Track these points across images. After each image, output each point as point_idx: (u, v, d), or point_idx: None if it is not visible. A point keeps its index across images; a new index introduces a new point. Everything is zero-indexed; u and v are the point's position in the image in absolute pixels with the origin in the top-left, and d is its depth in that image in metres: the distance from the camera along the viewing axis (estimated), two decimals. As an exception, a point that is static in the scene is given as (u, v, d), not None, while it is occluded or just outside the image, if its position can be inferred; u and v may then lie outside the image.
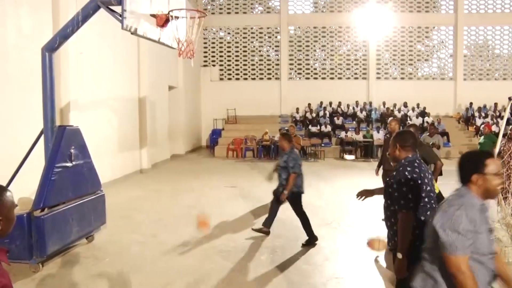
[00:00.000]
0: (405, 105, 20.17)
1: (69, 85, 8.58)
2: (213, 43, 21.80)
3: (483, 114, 19.48)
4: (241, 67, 21.69)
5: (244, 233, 6.45)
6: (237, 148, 17.79)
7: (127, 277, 4.77)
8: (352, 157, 17.13)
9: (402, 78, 21.51)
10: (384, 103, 20.21)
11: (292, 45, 21.70)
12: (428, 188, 2.96)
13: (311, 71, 21.78)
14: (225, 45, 21.75)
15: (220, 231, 6.59)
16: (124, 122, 11.69)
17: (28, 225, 4.83)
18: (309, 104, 20.59)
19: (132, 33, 5.08)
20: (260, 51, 21.89)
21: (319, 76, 21.72)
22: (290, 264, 5.18)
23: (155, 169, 13.51)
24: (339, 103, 20.69)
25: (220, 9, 21.53)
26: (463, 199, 2.17)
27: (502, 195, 6.50)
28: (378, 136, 17.15)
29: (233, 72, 21.75)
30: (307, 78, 21.72)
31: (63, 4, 8.25)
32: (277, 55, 21.71)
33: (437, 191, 3.62)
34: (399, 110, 19.85)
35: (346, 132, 18.21)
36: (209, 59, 21.78)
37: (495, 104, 19.96)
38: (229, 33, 21.90)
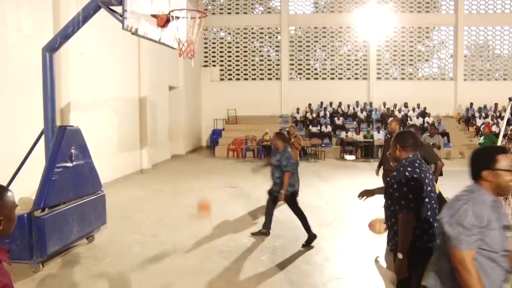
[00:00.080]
0: (406, 105, 20.17)
1: (70, 85, 8.58)
2: (214, 43, 21.81)
3: (483, 115, 19.47)
4: (241, 67, 21.70)
5: (244, 233, 6.45)
6: (238, 148, 17.79)
7: (128, 277, 4.77)
8: (353, 157, 17.12)
9: (403, 79, 21.51)
10: (384, 104, 20.21)
11: (293, 45, 21.70)
12: (429, 188, 2.96)
13: (312, 71, 21.78)
14: (225, 45, 21.76)
15: (221, 231, 6.59)
16: (125, 122, 11.70)
17: (29, 225, 4.84)
18: (310, 104, 20.59)
19: (132, 34, 5.08)
20: (260, 51, 21.89)
21: (320, 76, 21.72)
22: (291, 264, 5.18)
23: (156, 169, 13.51)
24: (340, 103, 20.69)
25: (221, 9, 21.54)
26: (472, 195, 2.13)
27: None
28: (379, 137, 17.15)
29: (233, 72, 21.75)
30: (308, 78, 21.72)
31: (63, 4, 8.25)
32: (278, 55, 21.72)
33: (437, 191, 3.62)
34: (399, 111, 19.85)
35: (347, 133, 18.20)
36: (210, 59, 21.78)
37: (496, 105, 19.95)
38: (229, 33, 21.91)
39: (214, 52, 21.76)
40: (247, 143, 18.04)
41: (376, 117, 19.65)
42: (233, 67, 21.73)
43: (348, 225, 6.98)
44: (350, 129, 18.55)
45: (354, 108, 20.53)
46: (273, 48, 21.96)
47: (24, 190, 5.51)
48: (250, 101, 20.84)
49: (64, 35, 5.39)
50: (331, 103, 20.69)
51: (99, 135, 9.68)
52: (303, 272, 4.91)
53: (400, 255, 2.88)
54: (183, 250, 5.73)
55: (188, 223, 7.07)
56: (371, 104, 20.60)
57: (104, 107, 10.47)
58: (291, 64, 21.70)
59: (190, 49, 5.60)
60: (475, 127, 18.79)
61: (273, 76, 21.70)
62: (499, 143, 6.75)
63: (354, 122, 19.59)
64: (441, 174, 6.31)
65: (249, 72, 21.72)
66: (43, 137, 5.57)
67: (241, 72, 21.72)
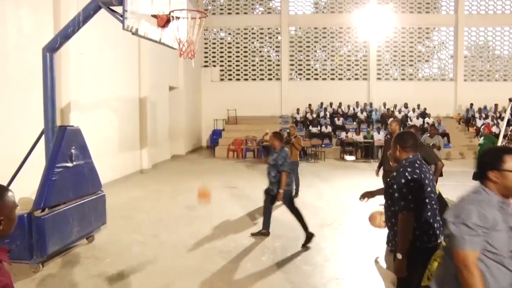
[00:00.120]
0: (406, 106, 20.18)
1: (70, 85, 8.59)
2: (214, 43, 21.82)
3: (483, 115, 19.48)
4: (241, 67, 21.71)
5: (244, 233, 6.45)
6: (238, 148, 17.79)
7: (128, 277, 4.77)
8: (353, 158, 17.12)
9: (403, 79, 21.52)
10: (384, 104, 20.21)
11: (293, 45, 21.71)
12: (429, 189, 2.96)
13: (312, 72, 21.78)
14: (225, 45, 21.77)
15: (221, 231, 6.59)
16: (125, 122, 11.70)
17: (29, 225, 4.84)
18: (310, 105, 20.60)
19: (133, 34, 5.08)
20: (260, 51, 21.90)
21: (320, 76, 21.73)
22: (291, 264, 5.18)
23: (156, 169, 13.51)
24: (340, 104, 20.69)
25: (221, 9, 21.55)
26: (477, 196, 2.11)
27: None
28: (379, 137, 17.15)
29: (233, 72, 21.76)
30: (308, 79, 21.73)
31: (63, 4, 8.26)
32: (278, 55, 21.72)
33: (437, 192, 3.62)
34: (399, 111, 19.85)
35: (347, 133, 18.21)
36: (210, 59, 21.79)
37: (496, 105, 19.96)
38: (229, 34, 21.92)
39: (214, 52, 21.77)
40: (247, 143, 18.04)
41: (376, 117, 19.66)
42: (233, 68, 21.74)
43: (348, 225, 6.98)
44: (350, 130, 18.55)
45: (354, 109, 20.54)
46: (273, 49, 21.97)
47: (24, 190, 5.50)
48: (250, 101, 20.84)
49: (64, 35, 5.39)
50: (331, 104, 20.70)
51: (99, 135, 9.68)
52: (303, 273, 4.91)
53: (399, 256, 2.88)
54: (183, 250, 5.73)
55: (188, 223, 7.07)
56: (371, 104, 20.60)
57: (104, 107, 10.47)
58: (291, 65, 21.70)
59: (191, 49, 5.60)
60: (475, 127, 18.78)
61: (273, 77, 21.71)
62: (499, 144, 6.76)
63: (354, 123, 19.60)
64: (441, 175, 6.31)
65: (249, 72, 21.73)
66: (43, 137, 5.57)
67: (241, 72, 21.73)
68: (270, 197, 6.20)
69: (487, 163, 2.17)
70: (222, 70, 21.77)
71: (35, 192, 5.12)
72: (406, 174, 2.93)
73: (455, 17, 20.90)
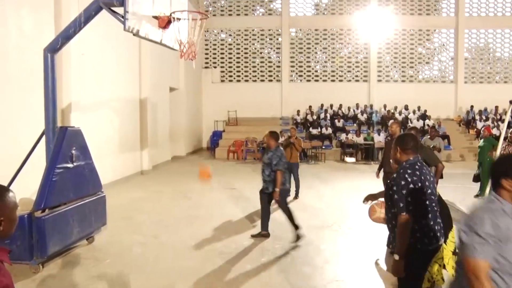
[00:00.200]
0: (406, 107, 20.18)
1: (71, 86, 8.60)
2: (215, 45, 21.84)
3: (483, 117, 19.48)
4: (242, 69, 21.73)
5: (244, 235, 6.44)
6: (238, 150, 17.79)
7: (128, 278, 4.77)
8: (353, 159, 17.13)
9: (403, 81, 21.53)
10: (385, 106, 20.22)
11: (293, 47, 21.73)
12: (429, 191, 2.96)
13: (312, 73, 21.80)
14: (226, 47, 21.79)
15: (221, 233, 6.59)
16: (125, 123, 11.71)
17: (29, 225, 4.83)
18: (310, 107, 20.60)
19: (134, 35, 5.09)
20: (261, 53, 21.92)
21: (320, 78, 21.74)
22: (291, 266, 5.18)
23: (156, 170, 13.51)
24: (340, 106, 20.70)
25: (222, 11, 21.57)
26: (490, 204, 2.03)
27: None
28: (379, 139, 17.16)
29: (234, 74, 21.77)
30: (308, 80, 21.74)
31: (64, 4, 8.27)
32: (278, 57, 21.74)
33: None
34: (400, 113, 19.86)
35: (347, 135, 18.21)
36: (211, 60, 21.81)
37: (496, 107, 19.96)
38: (230, 35, 21.94)
39: (215, 53, 21.79)
40: (247, 144, 18.04)
41: (377, 119, 19.67)
42: (234, 69, 21.76)
43: (348, 227, 6.97)
44: (351, 131, 18.55)
45: (354, 110, 20.55)
46: (274, 50, 21.99)
47: (25, 191, 5.51)
48: (250, 103, 20.86)
49: (65, 36, 5.40)
50: (331, 105, 20.71)
51: (100, 136, 9.69)
52: (303, 274, 4.91)
53: (396, 257, 2.90)
54: (183, 251, 5.73)
55: (188, 224, 7.07)
56: (371, 106, 20.61)
57: (105, 108, 10.48)
58: (292, 66, 21.72)
59: (191, 50, 5.61)
60: (475, 130, 18.79)
61: (274, 78, 21.73)
62: (499, 146, 6.76)
63: (355, 124, 19.61)
64: (441, 177, 6.30)
65: (250, 73, 21.74)
66: (44, 138, 5.57)
67: (242, 73, 21.74)
68: (266, 196, 6.23)
69: (500, 171, 2.08)
70: (222, 72, 21.79)
71: (36, 192, 5.12)
72: (406, 176, 2.93)
73: (456, 19, 20.92)
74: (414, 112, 19.88)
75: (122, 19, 4.86)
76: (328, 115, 20.01)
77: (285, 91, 21.42)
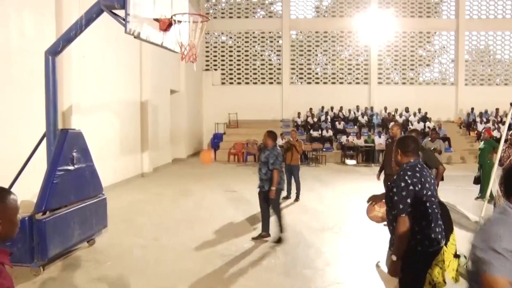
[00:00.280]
0: (407, 110, 20.20)
1: (72, 89, 8.61)
2: (215, 47, 21.87)
3: (484, 120, 19.48)
4: (242, 71, 21.75)
5: (245, 237, 6.44)
6: (238, 152, 17.80)
7: (128, 281, 4.76)
8: (354, 162, 17.12)
9: (404, 83, 21.54)
10: (385, 108, 20.24)
11: (294, 49, 21.76)
12: (429, 193, 2.96)
13: (313, 76, 21.82)
14: (227, 49, 21.83)
15: (222, 235, 6.59)
16: (126, 125, 11.72)
17: (30, 228, 4.83)
18: (311, 109, 20.62)
19: (135, 37, 5.10)
20: (261, 55, 21.95)
21: (321, 80, 21.76)
22: (291, 268, 5.17)
23: (157, 173, 13.51)
24: (341, 108, 20.72)
25: (222, 13, 21.62)
26: (504, 216, 1.93)
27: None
28: (380, 141, 17.16)
29: (234, 76, 21.80)
30: (309, 83, 21.76)
31: (65, 7, 8.30)
32: (279, 59, 21.77)
33: None
34: (400, 115, 19.87)
35: (348, 137, 18.21)
36: (211, 63, 21.84)
37: (497, 110, 19.97)
38: (231, 38, 21.98)
39: (215, 56, 21.82)
40: (247, 145, 18.04)
41: (377, 121, 19.67)
42: (235, 71, 21.78)
43: (349, 229, 6.97)
44: (351, 134, 18.56)
45: (355, 113, 20.55)
46: (274, 52, 22.01)
47: (26, 193, 5.51)
48: (251, 105, 20.87)
49: (66, 39, 5.40)
50: (332, 108, 20.72)
51: (100, 138, 9.70)
52: (304, 277, 4.90)
53: (394, 257, 2.92)
54: (184, 253, 5.73)
55: (189, 227, 7.07)
56: (372, 108, 20.62)
57: (105, 110, 10.50)
58: (292, 69, 21.74)
59: (192, 53, 5.62)
60: (476, 132, 18.78)
61: (274, 80, 21.75)
62: (500, 148, 6.74)
63: (355, 127, 19.62)
64: (442, 179, 6.30)
65: (250, 76, 21.77)
66: (45, 140, 5.58)
67: (242, 76, 21.77)
68: (263, 195, 6.26)
69: None
70: (223, 74, 21.82)
71: (37, 195, 5.12)
72: (406, 177, 2.94)
73: (456, 21, 20.95)
74: (414, 114, 19.90)
75: (123, 22, 4.86)
76: (329, 118, 20.02)
77: (285, 93, 21.44)
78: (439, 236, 2.95)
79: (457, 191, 9.84)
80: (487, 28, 21.15)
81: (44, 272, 4.95)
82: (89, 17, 5.20)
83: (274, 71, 21.78)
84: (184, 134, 17.69)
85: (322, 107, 20.89)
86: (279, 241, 6.13)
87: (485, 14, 21.13)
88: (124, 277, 4.85)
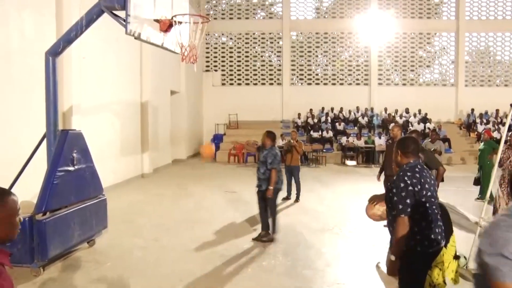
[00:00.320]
0: (407, 111, 20.21)
1: (72, 89, 8.62)
2: (215, 48, 21.89)
3: (484, 121, 19.48)
4: (243, 72, 21.76)
5: (245, 238, 6.44)
6: (239, 153, 17.80)
7: (128, 282, 4.76)
8: (354, 162, 17.12)
9: (404, 84, 21.55)
10: (385, 109, 20.25)
11: (294, 50, 21.77)
12: (429, 193, 2.97)
13: (313, 77, 21.83)
14: (227, 50, 21.84)
15: (222, 236, 6.59)
16: (126, 126, 11.72)
17: (30, 228, 4.83)
18: (311, 110, 20.63)
19: (135, 38, 5.10)
20: (262, 56, 21.97)
21: (321, 81, 21.77)
22: (292, 269, 5.17)
23: (157, 173, 13.52)
24: (341, 109, 20.73)
25: (223, 14, 21.64)
26: (510, 219, 1.90)
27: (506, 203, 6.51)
28: (380, 142, 17.16)
29: (235, 77, 21.81)
30: (309, 84, 21.78)
31: (66, 8, 8.31)
32: (279, 60, 21.79)
33: None
34: (400, 116, 19.88)
35: (348, 138, 18.21)
36: (211, 64, 21.85)
37: (497, 111, 19.98)
38: (231, 39, 22.00)
39: (215, 57, 21.84)
40: (247, 144, 18.02)
41: (377, 122, 19.68)
42: (235, 72, 21.80)
43: (349, 230, 6.96)
44: (351, 135, 18.56)
45: (355, 114, 20.56)
46: (275, 53, 22.03)
47: (26, 194, 5.50)
48: (251, 106, 20.88)
49: (67, 40, 5.41)
50: (332, 109, 20.73)
51: (101, 139, 9.70)
52: (304, 278, 4.90)
53: (392, 257, 2.94)
54: (184, 254, 5.72)
55: (189, 228, 7.07)
56: (372, 109, 20.63)
57: (106, 111, 10.50)
58: (293, 69, 21.75)
59: (193, 53, 5.62)
60: (476, 133, 18.79)
61: (275, 81, 21.76)
62: (500, 149, 6.74)
63: (355, 128, 19.62)
64: (442, 180, 6.30)
65: (251, 77, 21.78)
66: (45, 141, 5.58)
67: (243, 77, 21.78)
68: (260, 194, 6.30)
69: None
70: (223, 75, 21.83)
71: (37, 195, 5.13)
72: (406, 178, 2.95)
73: (456, 22, 20.96)
74: (414, 115, 19.90)
75: (124, 23, 4.87)
76: (329, 118, 20.03)
77: (286, 94, 21.45)
78: (439, 237, 2.96)
79: (457, 192, 9.84)
80: (487, 29, 21.16)
81: (44, 273, 4.95)
82: (90, 18, 5.21)
83: (275, 72, 21.80)
84: (184, 135, 17.70)
85: (322, 108, 20.89)
86: (270, 240, 6.16)
87: (485, 15, 21.14)
88: (124, 278, 4.85)
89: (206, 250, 5.89)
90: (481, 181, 9.02)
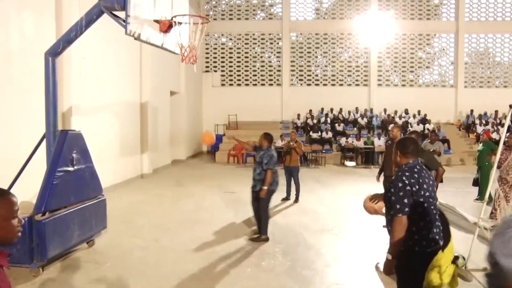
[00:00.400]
0: (406, 112, 20.22)
1: (72, 90, 8.62)
2: (215, 48, 21.90)
3: (483, 122, 19.50)
4: (242, 73, 21.77)
5: (245, 238, 6.44)
6: (238, 153, 17.80)
7: (128, 282, 4.76)
8: (353, 163, 17.13)
9: (403, 85, 21.57)
10: (385, 110, 20.26)
11: (294, 51, 21.79)
12: (427, 194, 2.98)
13: (313, 78, 21.84)
14: (227, 50, 21.85)
15: (221, 236, 6.59)
16: (126, 127, 11.72)
17: (29, 229, 4.83)
18: (310, 110, 20.64)
19: (135, 39, 5.10)
20: (261, 57, 21.98)
21: (321, 82, 21.78)
22: (291, 269, 5.17)
23: (156, 174, 13.51)
24: (340, 110, 20.74)
25: (222, 15, 21.65)
26: None
27: (507, 202, 6.53)
28: (379, 143, 17.17)
29: (234, 77, 21.82)
30: (309, 85, 21.79)
31: (66, 8, 8.31)
32: (279, 61, 21.80)
33: None
34: (400, 117, 19.89)
35: (347, 139, 18.22)
36: (211, 64, 21.86)
37: (496, 112, 20.00)
38: (231, 39, 22.01)
39: (215, 57, 21.85)
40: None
41: (377, 123, 19.70)
42: (234, 73, 21.81)
43: (348, 231, 6.97)
44: (351, 135, 18.57)
45: (354, 115, 20.57)
46: (274, 54, 22.04)
47: (25, 194, 5.50)
48: (251, 106, 20.89)
49: (67, 40, 5.41)
50: (331, 109, 20.74)
51: (100, 140, 9.70)
52: (303, 278, 4.90)
53: (389, 256, 2.96)
54: (184, 254, 5.72)
55: (188, 228, 7.07)
56: (371, 110, 20.64)
57: (105, 111, 10.50)
58: (292, 70, 21.76)
59: (192, 54, 5.62)
60: (475, 134, 18.80)
61: (274, 82, 21.77)
62: (499, 150, 6.75)
63: (355, 129, 19.63)
64: (441, 181, 6.31)
65: (250, 77, 21.79)
66: (44, 141, 5.58)
67: (242, 77, 21.79)
68: (254, 194, 6.33)
69: None
70: (223, 75, 21.84)
71: (36, 195, 5.13)
72: (404, 178, 2.97)
73: (456, 23, 20.99)
74: (414, 116, 19.91)
75: (124, 23, 4.87)
76: (329, 119, 20.04)
77: (285, 95, 21.46)
78: (437, 237, 2.97)
79: (456, 193, 9.85)
80: (487, 30, 21.19)
81: (44, 273, 4.94)
82: (90, 18, 5.21)
83: (274, 73, 21.81)
84: (183, 135, 17.70)
85: (322, 109, 20.91)
86: (266, 240, 6.21)
87: (484, 16, 21.17)
88: (123, 278, 4.85)
89: (205, 250, 5.89)
90: (480, 182, 9.03)
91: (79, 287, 4.63)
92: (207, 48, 21.66)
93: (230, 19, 21.58)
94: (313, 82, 21.81)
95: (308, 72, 21.82)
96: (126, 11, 4.84)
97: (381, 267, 5.12)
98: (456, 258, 3.16)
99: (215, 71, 21.80)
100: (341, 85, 21.59)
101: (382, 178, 7.13)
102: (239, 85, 21.80)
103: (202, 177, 13.30)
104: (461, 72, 21.06)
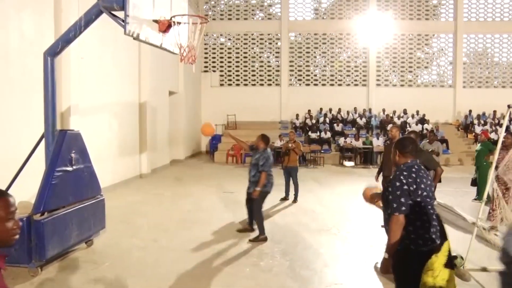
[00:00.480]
0: (405, 112, 20.24)
1: (70, 90, 8.61)
2: (214, 48, 21.89)
3: (482, 122, 19.54)
4: (241, 73, 21.77)
5: (243, 238, 6.44)
6: (237, 153, 17.80)
7: (127, 282, 4.76)
8: (352, 163, 17.14)
9: (402, 85, 21.59)
10: (383, 110, 20.28)
11: (293, 51, 21.79)
12: (425, 193, 2.99)
13: (311, 78, 21.85)
14: (225, 51, 21.85)
15: (220, 236, 6.59)
16: (125, 127, 11.71)
17: (28, 229, 4.83)
18: (309, 111, 20.64)
19: (134, 39, 5.10)
20: (260, 57, 21.98)
21: (319, 82, 21.79)
22: (290, 270, 5.18)
23: (155, 174, 13.51)
24: (339, 110, 20.75)
25: (221, 15, 21.64)
26: None
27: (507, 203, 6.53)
28: (378, 143, 17.19)
29: (233, 78, 21.82)
30: (307, 85, 21.79)
31: (65, 8, 8.30)
32: (278, 61, 21.80)
33: None
34: (398, 117, 19.91)
35: (346, 139, 18.23)
36: (210, 64, 21.85)
37: (494, 112, 20.04)
38: (229, 39, 22.00)
39: (214, 57, 21.84)
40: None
41: (376, 123, 19.72)
42: (233, 73, 21.80)
43: (347, 231, 6.98)
44: (349, 136, 18.58)
45: (353, 115, 20.59)
46: (273, 54, 22.04)
47: (24, 194, 5.49)
48: (249, 106, 20.89)
49: (66, 40, 5.41)
50: (330, 109, 20.75)
51: (99, 140, 9.69)
52: (302, 278, 4.91)
53: (386, 255, 2.97)
54: (182, 254, 5.72)
55: (187, 228, 7.07)
56: (370, 110, 20.66)
57: (104, 111, 10.49)
58: (291, 70, 21.77)
59: (191, 54, 5.62)
60: (473, 134, 18.84)
61: (273, 82, 21.77)
62: (497, 150, 6.76)
63: (353, 129, 19.64)
64: (439, 181, 6.32)
65: (249, 77, 21.79)
66: (43, 141, 5.58)
67: (241, 77, 21.79)
68: (248, 196, 6.40)
69: None
70: (222, 75, 21.83)
71: (35, 195, 5.12)
72: (401, 177, 2.98)
73: (454, 24, 21.02)
74: (412, 116, 19.94)
75: (123, 23, 4.87)
76: (327, 119, 20.04)
77: (284, 95, 21.46)
78: (434, 236, 2.97)
79: (454, 193, 9.87)
80: (485, 30, 21.23)
81: (42, 273, 4.93)
82: (88, 18, 5.21)
83: (273, 73, 21.81)
84: (182, 135, 17.69)
85: (321, 109, 20.92)
86: (256, 239, 6.25)
87: (483, 16, 21.20)
88: (122, 278, 4.85)
89: (204, 250, 5.89)
90: (478, 182, 9.05)
91: (78, 287, 4.62)
92: (206, 48, 21.65)
93: (229, 19, 21.58)
94: (312, 82, 21.81)
95: (307, 72, 21.83)
96: (125, 11, 4.84)
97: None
98: (454, 257, 3.16)
99: (214, 71, 21.80)
100: (339, 85, 21.60)
101: (381, 178, 7.13)
102: (238, 85, 21.79)
103: (201, 177, 13.30)
104: (460, 72, 21.09)
